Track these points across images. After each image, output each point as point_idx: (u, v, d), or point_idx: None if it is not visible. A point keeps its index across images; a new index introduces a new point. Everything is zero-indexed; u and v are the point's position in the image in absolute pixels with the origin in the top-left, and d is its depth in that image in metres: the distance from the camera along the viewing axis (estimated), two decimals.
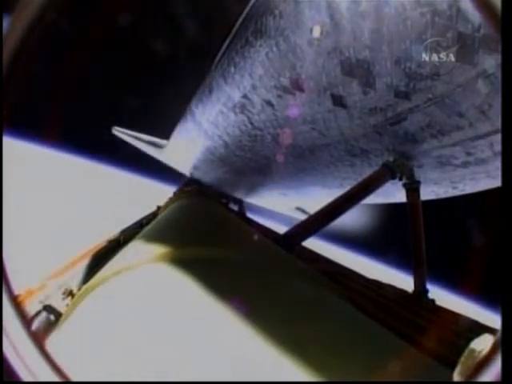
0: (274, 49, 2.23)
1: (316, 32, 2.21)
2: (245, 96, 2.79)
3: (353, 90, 2.14)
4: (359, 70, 1.99)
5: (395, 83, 1.94)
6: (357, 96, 2.16)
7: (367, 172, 2.74)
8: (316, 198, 4.13)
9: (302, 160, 3.19)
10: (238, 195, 5.32)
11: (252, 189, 4.98)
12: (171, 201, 3.85)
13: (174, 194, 4.51)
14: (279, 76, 2.38)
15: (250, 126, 3.13)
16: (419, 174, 2.61)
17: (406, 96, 1.96)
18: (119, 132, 5.79)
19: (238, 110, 3.02)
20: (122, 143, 5.69)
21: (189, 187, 4.77)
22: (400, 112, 2.10)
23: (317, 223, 2.52)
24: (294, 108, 2.57)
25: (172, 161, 5.68)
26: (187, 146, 4.71)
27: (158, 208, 3.97)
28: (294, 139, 2.96)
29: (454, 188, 2.74)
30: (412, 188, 2.72)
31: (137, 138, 5.79)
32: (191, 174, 5.40)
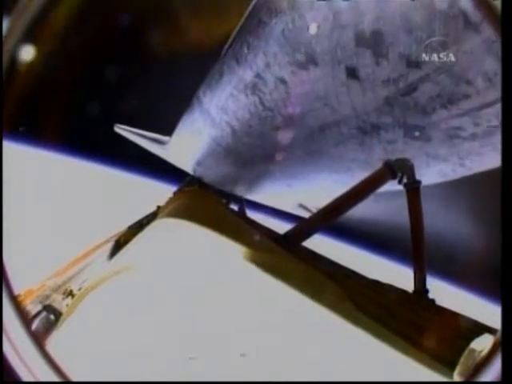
0: (290, 25, 2.26)
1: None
2: (257, 75, 2.79)
3: (366, 61, 2.18)
4: (373, 41, 2.04)
5: (407, 52, 1.99)
6: (370, 67, 2.19)
7: (376, 152, 2.74)
8: (322, 185, 4.09)
9: (311, 141, 3.17)
10: (241, 191, 5.30)
11: (255, 182, 4.95)
12: (171, 201, 3.85)
13: (174, 194, 4.50)
14: (294, 52, 2.40)
15: (260, 108, 3.12)
16: (427, 150, 2.61)
17: (417, 65, 2.00)
18: (121, 129, 5.76)
19: (249, 92, 3.01)
20: (122, 143, 5.68)
21: (189, 187, 4.76)
22: (411, 82, 2.14)
23: (317, 223, 2.52)
24: (308, 84, 2.58)
25: (174, 158, 5.66)
26: (191, 140, 4.70)
27: (158, 208, 3.97)
28: (305, 118, 2.95)
29: (462, 165, 2.73)
30: (413, 188, 2.71)
31: (139, 135, 5.76)
32: (194, 170, 5.38)
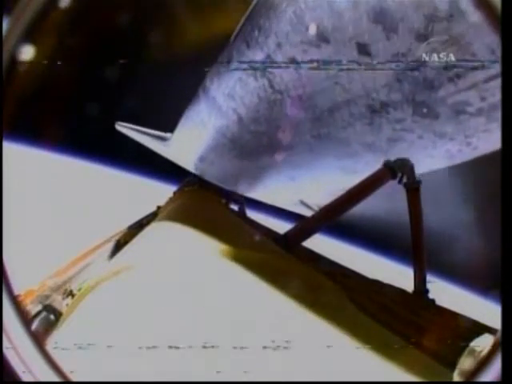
0: (302, 5, 2.30)
1: (312, 30, 2.28)
2: (268, 57, 2.81)
3: (377, 37, 2.22)
4: (384, 16, 2.10)
5: (416, 26, 2.04)
6: (380, 42, 2.23)
7: (385, 133, 2.76)
8: (325, 175, 4.07)
9: (319, 125, 3.17)
10: (242, 187, 5.27)
11: (258, 177, 4.92)
12: (171, 201, 3.85)
13: (174, 193, 4.50)
14: (306, 30, 2.43)
15: (270, 91, 3.13)
16: (435, 128, 2.63)
17: (425, 38, 2.04)
18: (122, 127, 5.75)
19: (259, 74, 3.03)
20: (122, 143, 5.67)
21: (189, 187, 4.76)
22: (419, 56, 2.18)
23: (317, 223, 2.52)
24: (319, 62, 2.61)
25: (175, 154, 5.63)
26: (194, 134, 4.67)
27: (158, 208, 3.96)
28: (314, 99, 2.96)
29: (468, 144, 2.74)
30: (413, 188, 2.71)
31: (140, 132, 5.74)
32: (195, 167, 5.36)
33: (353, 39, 2.33)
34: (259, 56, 2.87)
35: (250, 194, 5.44)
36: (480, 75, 2.11)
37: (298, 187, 4.89)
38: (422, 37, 2.07)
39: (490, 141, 2.62)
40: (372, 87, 2.54)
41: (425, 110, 2.51)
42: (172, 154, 5.70)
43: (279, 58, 2.77)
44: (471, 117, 2.46)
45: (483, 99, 2.26)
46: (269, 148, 3.97)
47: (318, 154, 3.75)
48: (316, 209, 5.38)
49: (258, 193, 5.38)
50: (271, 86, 3.04)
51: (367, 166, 3.17)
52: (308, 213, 5.42)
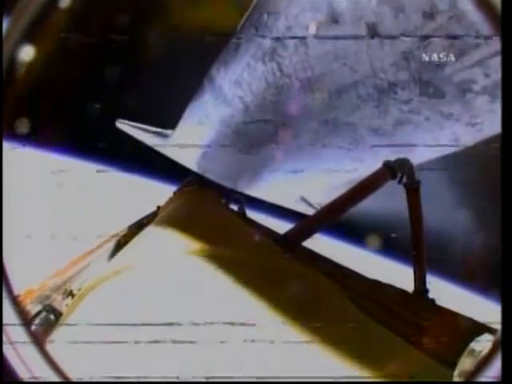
0: None
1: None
2: (277, 39, 2.85)
3: (385, 16, 2.26)
4: None
5: (422, 4, 2.08)
6: (388, 21, 2.27)
7: (392, 115, 2.79)
8: (331, 167, 4.08)
9: (326, 109, 3.18)
10: (244, 183, 5.25)
11: (260, 171, 4.90)
12: (171, 201, 3.85)
13: (174, 193, 4.50)
14: (316, 12, 2.46)
15: (278, 74, 3.15)
16: (441, 109, 2.65)
17: (431, 16, 2.08)
18: (123, 124, 5.74)
19: (267, 58, 3.05)
20: (122, 143, 5.67)
21: (189, 187, 4.76)
22: (426, 34, 2.22)
23: (317, 223, 2.52)
24: (328, 43, 2.64)
25: (176, 151, 5.63)
26: (197, 129, 4.66)
27: (158, 208, 3.96)
28: (323, 81, 2.98)
29: (474, 125, 2.76)
30: (413, 188, 2.71)
31: (141, 129, 5.74)
32: (197, 164, 5.34)
33: (362, 19, 2.36)
34: (268, 40, 2.91)
35: (250, 190, 5.43)
36: (483, 52, 2.14)
37: (301, 181, 4.86)
38: (429, 15, 2.11)
39: (494, 122, 2.63)
40: (380, 67, 2.58)
41: (431, 90, 2.53)
42: (172, 152, 5.69)
43: (289, 40, 2.80)
44: (476, 95, 2.48)
45: (487, 76, 2.29)
46: (273, 138, 3.96)
47: (323, 142, 3.73)
48: (317, 206, 5.39)
49: (259, 189, 5.37)
50: (280, 70, 3.06)
51: (373, 154, 3.20)
52: (309, 210, 5.42)
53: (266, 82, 3.24)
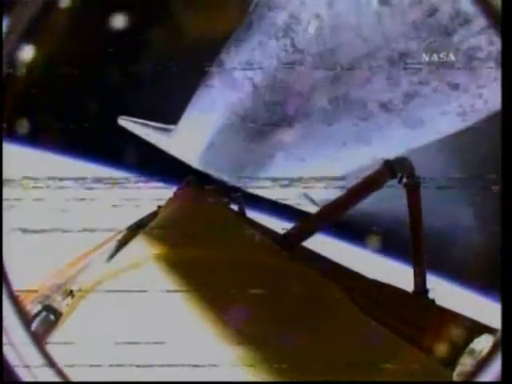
0: None
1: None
2: (291, 15, 2.89)
3: None
4: None
5: None
6: None
7: (403, 87, 2.85)
8: (338, 151, 4.10)
9: (337, 85, 3.23)
10: (248, 174, 5.21)
11: (265, 161, 4.90)
12: (171, 201, 3.84)
13: (174, 193, 4.50)
14: None
15: (290, 50, 3.19)
16: (449, 79, 2.73)
17: None
18: (124, 121, 5.73)
19: (280, 34, 3.09)
20: (122, 143, 5.66)
21: (189, 187, 4.75)
22: (433, 2, 2.33)
23: (317, 223, 2.52)
24: (342, 15, 2.70)
25: (180, 146, 5.60)
26: (203, 119, 4.65)
27: (158, 208, 3.96)
28: (335, 54, 3.04)
29: (480, 97, 2.82)
30: (413, 188, 2.72)
31: (143, 125, 5.73)
32: (200, 157, 5.31)
33: None
34: (281, 16, 2.95)
35: (253, 183, 5.40)
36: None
37: (307, 168, 4.82)
38: None
39: (498, 93, 2.69)
40: (391, 37, 2.62)
41: (440, 58, 2.59)
42: (175, 147, 5.67)
43: (302, 16, 2.85)
44: (483, 63, 2.53)
45: (491, 43, 2.36)
46: (282, 121, 3.96)
47: (332, 122, 3.74)
48: (320, 204, 5.41)
49: (265, 179, 5.30)
50: (293, 45, 3.10)
51: (381, 133, 3.27)
52: (311, 207, 5.42)
53: (278, 59, 3.28)
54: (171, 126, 5.50)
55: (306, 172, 4.94)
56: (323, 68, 3.14)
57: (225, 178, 5.36)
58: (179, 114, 4.91)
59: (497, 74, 2.52)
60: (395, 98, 2.96)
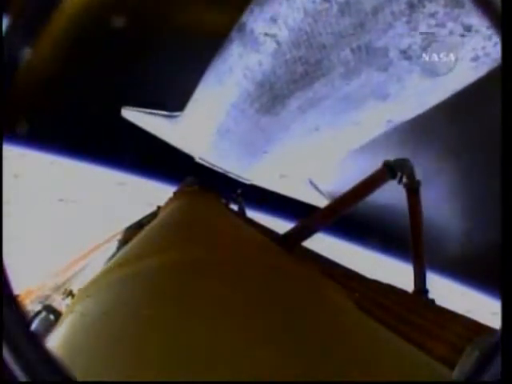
0: None
1: None
2: None
3: None
4: None
5: None
6: None
7: (420, 29, 3.01)
8: (355, 112, 4.15)
9: (360, 33, 3.35)
10: (261, 146, 5.15)
11: (280, 134, 4.89)
12: (171, 201, 3.85)
13: (174, 194, 4.50)
14: None
15: (318, 1, 3.29)
16: (463, 20, 2.94)
17: None
18: (128, 111, 5.69)
19: None
20: (122, 143, 5.66)
21: (189, 187, 4.76)
22: None
23: (317, 223, 2.52)
24: None
25: (186, 133, 5.56)
26: (216, 93, 4.62)
27: (158, 208, 3.96)
28: (360, 1, 3.15)
29: (490, 39, 3.01)
30: (413, 188, 2.72)
31: (147, 113, 5.69)
32: (210, 141, 5.27)
33: None
34: None
35: (261, 163, 5.34)
36: None
37: (322, 136, 4.79)
38: None
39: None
40: None
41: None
42: (180, 134, 5.60)
43: None
44: None
45: None
46: (302, 80, 3.97)
47: (352, 77, 3.76)
48: (325, 194, 5.42)
49: (279, 145, 5.22)
50: None
51: (401, 86, 3.46)
52: (315, 194, 5.46)
53: (304, 11, 3.32)
54: (176, 113, 5.44)
55: (320, 143, 4.91)
56: (348, 16, 3.25)
57: (230, 166, 5.33)
58: (183, 101, 4.90)
59: None
60: (414, 43, 3.12)
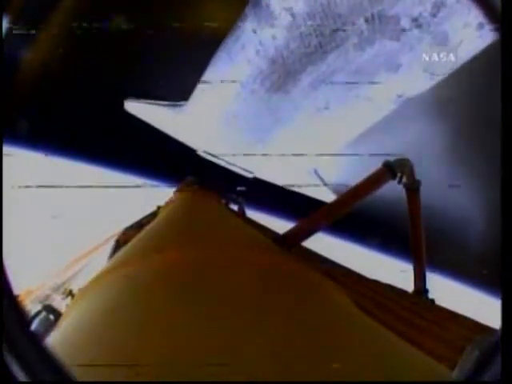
0: None
1: None
2: None
3: None
4: None
5: None
6: None
7: None
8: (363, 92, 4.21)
9: (374, 1, 3.43)
10: (272, 123, 5.14)
11: (290, 113, 4.91)
12: (171, 201, 3.85)
13: (174, 194, 4.51)
14: None
15: None
16: None
17: None
18: (131, 103, 5.66)
19: None
20: (122, 143, 5.66)
21: (189, 187, 4.76)
22: None
23: (316, 223, 2.52)
24: None
25: (192, 122, 5.54)
26: (228, 68, 4.63)
27: (158, 208, 3.96)
28: None
29: None
30: (412, 188, 2.72)
31: (150, 104, 5.67)
32: (217, 128, 5.25)
33: None
34: None
35: (268, 142, 5.33)
36: None
37: (331, 118, 4.78)
38: None
39: None
40: None
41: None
42: (185, 124, 5.56)
43: None
44: None
45: None
46: (316, 52, 3.99)
47: (365, 46, 3.79)
48: (329, 184, 5.45)
49: (287, 126, 5.19)
50: None
51: (412, 55, 3.57)
52: (318, 189, 5.48)
53: None
54: (181, 102, 5.42)
55: (330, 122, 4.92)
56: None
57: (233, 157, 5.31)
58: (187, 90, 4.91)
59: None
60: (425, 10, 3.24)
